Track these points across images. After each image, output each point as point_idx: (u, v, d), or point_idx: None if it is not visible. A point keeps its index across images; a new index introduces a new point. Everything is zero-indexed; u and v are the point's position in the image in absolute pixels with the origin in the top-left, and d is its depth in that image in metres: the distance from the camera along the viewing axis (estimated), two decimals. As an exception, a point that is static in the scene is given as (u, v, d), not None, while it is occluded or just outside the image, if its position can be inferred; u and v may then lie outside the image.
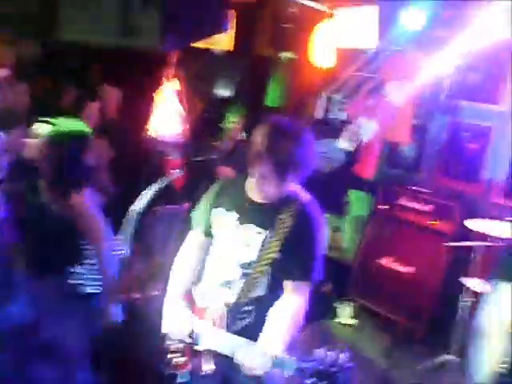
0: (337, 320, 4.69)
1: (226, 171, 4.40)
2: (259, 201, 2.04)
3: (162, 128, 4.46)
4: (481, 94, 4.84)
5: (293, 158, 1.86)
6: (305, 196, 2.06)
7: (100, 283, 2.54)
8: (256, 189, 1.99)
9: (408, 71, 4.81)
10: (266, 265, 1.98)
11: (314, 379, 1.52)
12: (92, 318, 2.55)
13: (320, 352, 1.54)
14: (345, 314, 4.72)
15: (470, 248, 3.81)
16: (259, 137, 1.91)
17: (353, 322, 4.67)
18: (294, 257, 1.96)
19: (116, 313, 2.59)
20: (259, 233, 2.01)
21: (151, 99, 4.54)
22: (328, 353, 1.54)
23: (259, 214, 2.01)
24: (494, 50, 4.41)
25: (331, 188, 4.70)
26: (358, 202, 5.45)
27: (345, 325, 4.65)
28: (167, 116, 4.47)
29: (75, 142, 2.47)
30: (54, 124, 2.44)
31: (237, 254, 2.05)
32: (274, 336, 1.89)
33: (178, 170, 1.98)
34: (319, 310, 4.67)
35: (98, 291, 2.56)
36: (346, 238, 5.66)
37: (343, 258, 5.55)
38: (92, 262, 2.55)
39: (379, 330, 4.57)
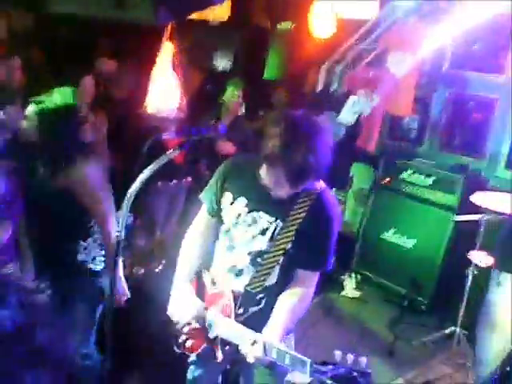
0: (341, 293, 4.68)
1: (227, 147, 4.33)
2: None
3: (159, 103, 4.35)
4: (485, 64, 4.75)
5: (308, 167, 1.71)
6: (320, 185, 1.96)
7: (104, 259, 2.50)
8: (268, 184, 1.86)
9: (410, 41, 4.71)
10: (278, 255, 1.92)
11: (333, 382, 1.47)
12: (98, 296, 2.51)
13: (339, 355, 1.49)
14: (349, 286, 4.72)
15: (474, 221, 3.78)
16: (272, 138, 1.73)
17: (357, 294, 4.67)
18: (308, 247, 1.90)
19: (123, 289, 2.56)
20: (270, 222, 1.94)
21: (148, 73, 4.42)
22: (348, 356, 1.49)
23: (271, 203, 1.92)
24: (498, 19, 4.32)
25: (334, 162, 4.64)
26: (360, 175, 5.40)
27: (349, 297, 4.65)
28: (164, 90, 4.36)
29: (64, 115, 2.42)
30: (41, 101, 2.39)
31: (246, 242, 1.98)
32: (278, 325, 1.85)
33: (176, 149, 1.85)
34: (323, 284, 4.65)
35: (103, 268, 2.52)
36: (349, 211, 5.64)
37: (347, 230, 5.53)
38: (96, 237, 2.50)
39: (384, 303, 4.58)
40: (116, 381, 2.40)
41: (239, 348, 1.81)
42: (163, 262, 3.35)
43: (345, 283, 4.74)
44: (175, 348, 2.13)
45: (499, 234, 1.76)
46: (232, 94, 4.55)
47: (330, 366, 1.48)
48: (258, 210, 1.96)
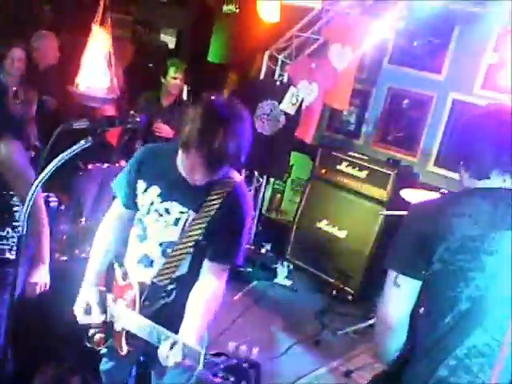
0: (273, 281, 4.73)
1: (165, 129, 4.22)
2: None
3: (91, 81, 4.13)
4: (424, 61, 4.86)
5: (226, 152, 1.69)
6: (236, 177, 1.94)
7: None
8: (184, 172, 1.82)
9: (352, 34, 4.73)
10: (188, 247, 1.89)
11: (225, 373, 1.47)
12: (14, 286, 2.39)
13: (232, 346, 1.49)
14: (281, 274, 4.78)
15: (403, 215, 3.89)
16: (189, 122, 1.71)
17: (289, 283, 4.74)
18: (218, 240, 1.88)
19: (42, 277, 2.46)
20: (182, 212, 1.90)
21: (81, 48, 4.18)
22: (241, 347, 1.50)
23: (185, 193, 1.88)
24: (438, 17, 4.41)
25: (274, 151, 4.65)
26: (298, 165, 5.44)
27: (281, 285, 4.71)
28: (97, 68, 4.14)
29: None
30: None
31: (158, 232, 1.94)
32: (192, 327, 1.82)
33: (88, 140, 1.71)
34: (256, 271, 4.71)
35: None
36: (286, 200, 5.69)
37: (282, 219, 5.60)
38: (16, 225, 2.38)
39: (313, 292, 4.67)
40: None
41: (159, 351, 1.75)
42: (88, 249, 3.24)
43: (278, 271, 4.80)
44: (85, 342, 2.07)
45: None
46: (173, 75, 4.40)
47: (223, 358, 1.48)
48: (171, 200, 1.91)
